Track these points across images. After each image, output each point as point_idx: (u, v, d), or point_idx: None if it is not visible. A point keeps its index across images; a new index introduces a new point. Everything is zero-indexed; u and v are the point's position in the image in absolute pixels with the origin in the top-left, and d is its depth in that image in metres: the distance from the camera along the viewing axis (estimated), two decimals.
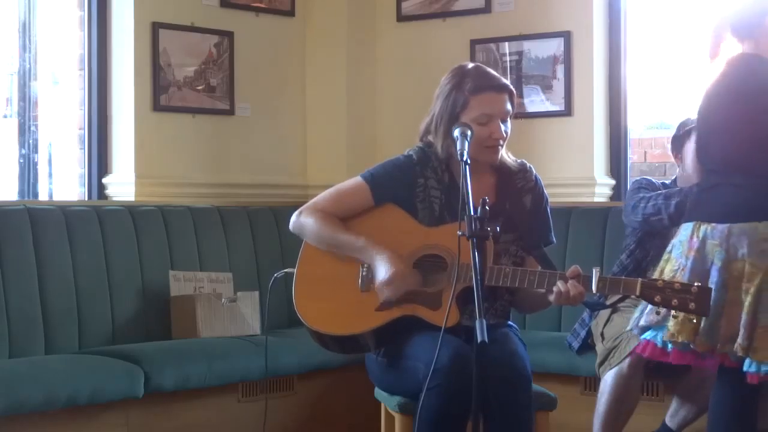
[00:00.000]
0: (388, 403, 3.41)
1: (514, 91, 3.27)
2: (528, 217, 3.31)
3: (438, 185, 3.27)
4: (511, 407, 3.05)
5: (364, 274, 3.22)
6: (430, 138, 3.30)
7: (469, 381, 2.60)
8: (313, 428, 4.78)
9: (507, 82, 3.27)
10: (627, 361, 3.96)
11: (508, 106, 3.23)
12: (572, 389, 4.49)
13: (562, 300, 3.03)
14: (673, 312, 3.12)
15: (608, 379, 4.02)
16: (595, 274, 3.01)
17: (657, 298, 2.98)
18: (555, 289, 3.02)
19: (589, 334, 4.35)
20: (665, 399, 4.28)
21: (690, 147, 4.31)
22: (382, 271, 3.15)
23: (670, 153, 4.47)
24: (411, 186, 3.27)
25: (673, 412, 4.18)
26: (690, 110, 4.94)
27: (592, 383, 4.47)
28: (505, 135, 3.23)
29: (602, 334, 4.13)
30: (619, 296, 3.16)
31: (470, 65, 3.31)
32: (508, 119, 3.25)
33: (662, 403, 4.27)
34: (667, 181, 4.51)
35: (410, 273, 3.16)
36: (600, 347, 4.11)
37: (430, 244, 3.19)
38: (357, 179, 3.33)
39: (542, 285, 3.07)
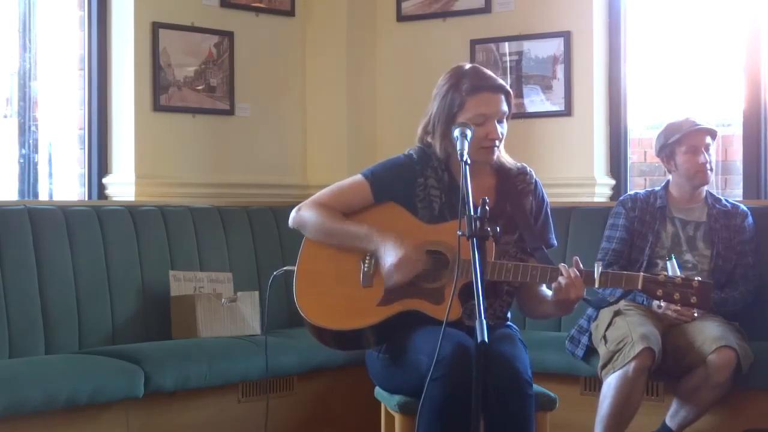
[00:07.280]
0: (388, 402, 3.41)
1: (511, 92, 3.28)
2: (529, 219, 3.31)
3: (438, 185, 3.27)
4: (512, 411, 3.04)
5: (365, 269, 3.22)
6: (429, 139, 3.30)
7: (472, 373, 2.59)
8: (313, 428, 4.78)
9: (503, 82, 3.28)
10: (632, 364, 3.95)
11: (504, 107, 3.24)
12: (572, 389, 4.49)
13: (562, 291, 3.03)
14: None
15: (612, 381, 4.01)
16: (598, 268, 3.02)
17: (659, 292, 3.01)
18: (555, 283, 3.03)
19: (590, 339, 4.35)
20: (665, 399, 4.28)
21: (682, 151, 4.32)
22: (390, 255, 3.15)
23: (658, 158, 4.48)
24: (411, 185, 3.27)
25: (674, 413, 4.17)
26: (687, 110, 4.96)
27: (592, 383, 4.47)
28: (501, 135, 3.24)
29: (605, 337, 4.12)
30: (621, 292, 3.18)
31: (467, 66, 3.31)
32: (505, 120, 3.25)
33: (662, 403, 4.27)
34: (657, 188, 4.50)
35: (418, 256, 3.16)
36: (603, 350, 4.10)
37: (431, 241, 3.19)
38: (357, 177, 3.34)
39: (544, 279, 3.09)
